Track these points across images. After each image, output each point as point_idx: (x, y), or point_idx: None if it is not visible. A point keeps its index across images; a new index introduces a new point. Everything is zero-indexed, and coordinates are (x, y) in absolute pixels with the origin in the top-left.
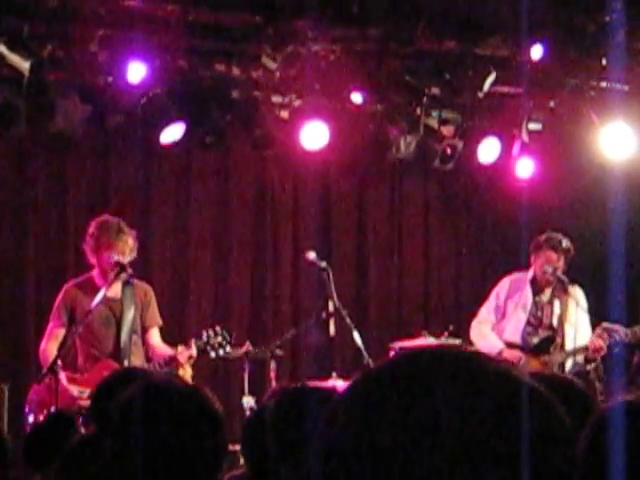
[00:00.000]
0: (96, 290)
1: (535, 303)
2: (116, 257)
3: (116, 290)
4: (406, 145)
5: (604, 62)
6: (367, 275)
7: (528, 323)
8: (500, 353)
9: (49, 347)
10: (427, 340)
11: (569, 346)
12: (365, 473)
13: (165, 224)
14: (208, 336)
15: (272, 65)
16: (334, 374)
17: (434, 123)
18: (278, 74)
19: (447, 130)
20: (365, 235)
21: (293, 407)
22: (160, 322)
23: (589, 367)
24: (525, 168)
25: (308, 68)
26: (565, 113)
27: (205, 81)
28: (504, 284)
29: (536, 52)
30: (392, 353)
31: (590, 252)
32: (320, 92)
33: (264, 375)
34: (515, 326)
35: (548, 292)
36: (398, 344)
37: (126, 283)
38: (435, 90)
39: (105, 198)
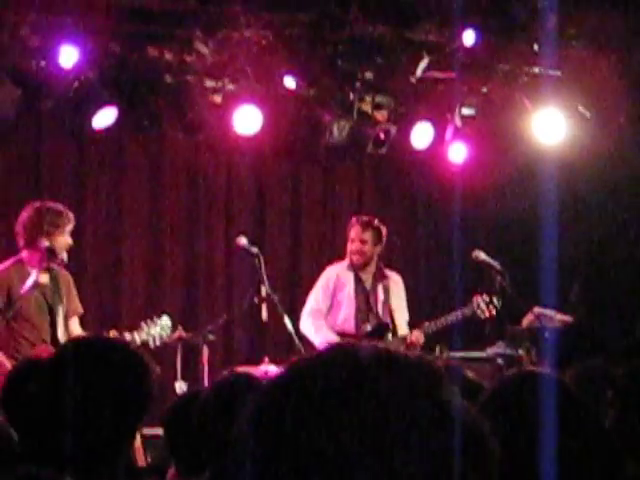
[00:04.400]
0: (28, 273)
1: (360, 289)
2: (46, 243)
3: (45, 276)
4: (339, 130)
5: (536, 48)
6: (301, 260)
7: (358, 310)
8: None
9: None
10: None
11: (402, 332)
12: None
13: (98, 209)
14: (148, 327)
15: (204, 50)
16: (266, 359)
17: (367, 108)
18: (211, 59)
19: (380, 115)
20: (299, 220)
21: (225, 396)
22: (81, 310)
23: (520, 352)
24: (458, 153)
25: (241, 53)
26: (498, 98)
27: (138, 65)
28: (331, 273)
29: (468, 38)
30: None
31: (521, 236)
32: (253, 77)
33: (197, 360)
34: (345, 315)
35: (369, 279)
36: None
37: (52, 269)
38: (368, 75)
39: (37, 183)
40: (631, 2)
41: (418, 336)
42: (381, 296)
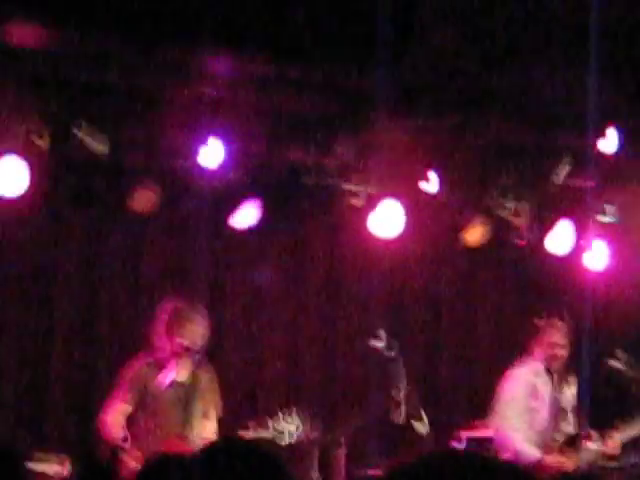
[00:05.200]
0: (161, 370)
1: (554, 394)
2: (187, 342)
3: (184, 375)
4: (479, 235)
5: None
6: (439, 365)
7: (552, 417)
8: (540, 461)
9: (110, 419)
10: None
11: (594, 440)
12: None
13: (238, 307)
14: (284, 420)
15: (346, 153)
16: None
17: (507, 213)
18: (353, 162)
19: (518, 221)
20: (438, 325)
21: None
22: (220, 413)
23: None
24: (598, 260)
25: (382, 157)
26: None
27: (280, 166)
28: (527, 380)
29: (609, 144)
30: (459, 442)
31: None
32: (394, 180)
33: (333, 461)
34: (542, 423)
35: (557, 381)
36: (465, 433)
37: (195, 370)
38: (508, 180)
39: (178, 279)
40: None
41: (615, 447)
42: (569, 398)
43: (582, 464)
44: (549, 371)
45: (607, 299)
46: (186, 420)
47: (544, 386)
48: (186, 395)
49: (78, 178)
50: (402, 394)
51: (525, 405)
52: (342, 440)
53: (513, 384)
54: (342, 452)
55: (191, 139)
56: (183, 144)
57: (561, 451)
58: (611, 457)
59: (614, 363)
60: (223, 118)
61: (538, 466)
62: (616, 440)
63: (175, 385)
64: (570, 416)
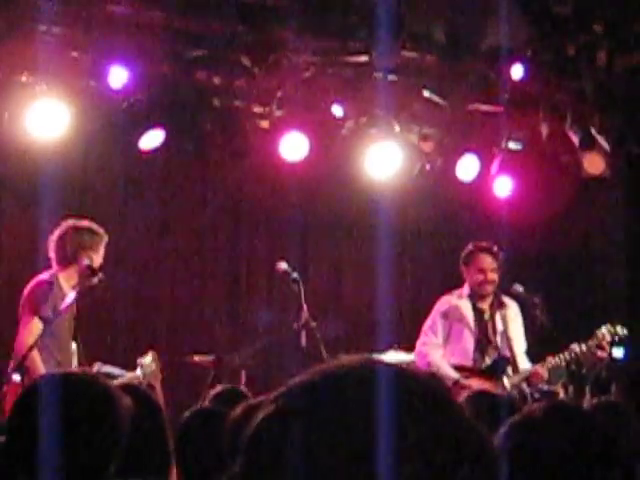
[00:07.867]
0: (62, 291)
1: (479, 320)
2: (87, 261)
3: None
4: (385, 159)
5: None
6: (342, 288)
7: (477, 343)
8: (456, 384)
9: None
10: (397, 355)
11: (522, 366)
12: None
13: (142, 230)
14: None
15: (254, 73)
16: None
17: (414, 138)
18: (259, 84)
19: (427, 146)
20: (342, 249)
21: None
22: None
23: (554, 387)
24: (503, 187)
25: (289, 79)
26: (545, 133)
27: (186, 88)
28: (445, 303)
29: (516, 72)
30: None
31: (566, 273)
32: (301, 103)
33: (235, 384)
34: (464, 348)
35: (487, 309)
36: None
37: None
38: (416, 106)
39: (83, 202)
40: None
41: (542, 372)
42: (500, 326)
43: (505, 389)
44: (478, 296)
45: (512, 225)
46: (74, 346)
47: (467, 311)
48: (71, 319)
49: None
50: (304, 318)
51: (446, 329)
52: (244, 363)
53: (436, 308)
54: (244, 376)
55: (96, 59)
56: (88, 64)
57: (484, 375)
58: (535, 383)
59: (517, 287)
60: (128, 38)
61: (454, 388)
62: (542, 365)
63: (71, 309)
64: (499, 341)
